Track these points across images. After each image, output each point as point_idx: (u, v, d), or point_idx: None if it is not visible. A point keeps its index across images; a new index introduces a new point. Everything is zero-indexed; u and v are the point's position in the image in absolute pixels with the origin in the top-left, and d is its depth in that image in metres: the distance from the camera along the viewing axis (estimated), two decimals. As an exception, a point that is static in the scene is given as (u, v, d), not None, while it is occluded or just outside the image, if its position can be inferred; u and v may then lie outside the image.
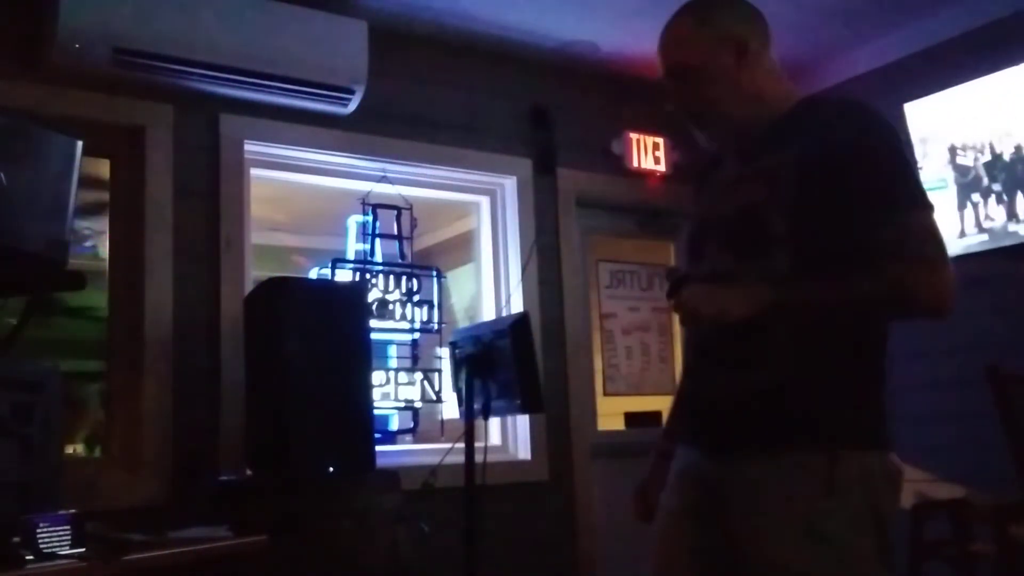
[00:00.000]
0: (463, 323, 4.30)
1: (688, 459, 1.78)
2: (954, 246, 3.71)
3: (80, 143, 2.26)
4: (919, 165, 3.88)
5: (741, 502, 1.63)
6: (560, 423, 3.99)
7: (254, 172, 3.57)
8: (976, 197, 3.72)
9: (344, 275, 3.69)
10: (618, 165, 4.33)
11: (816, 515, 1.55)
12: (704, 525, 1.70)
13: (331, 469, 2.80)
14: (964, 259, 3.46)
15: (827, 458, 1.55)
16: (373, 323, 3.41)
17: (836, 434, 1.58)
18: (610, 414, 4.33)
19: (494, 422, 3.91)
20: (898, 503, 1.63)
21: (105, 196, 3.32)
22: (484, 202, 4.18)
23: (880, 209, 1.57)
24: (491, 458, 2.81)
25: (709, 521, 1.68)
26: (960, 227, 3.74)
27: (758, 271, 1.62)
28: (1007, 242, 3.60)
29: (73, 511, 1.77)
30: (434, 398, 3.81)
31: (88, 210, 3.34)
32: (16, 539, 1.66)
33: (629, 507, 1.98)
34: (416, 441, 3.86)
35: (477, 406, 2.73)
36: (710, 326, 1.61)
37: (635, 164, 4.34)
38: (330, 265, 3.69)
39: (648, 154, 4.38)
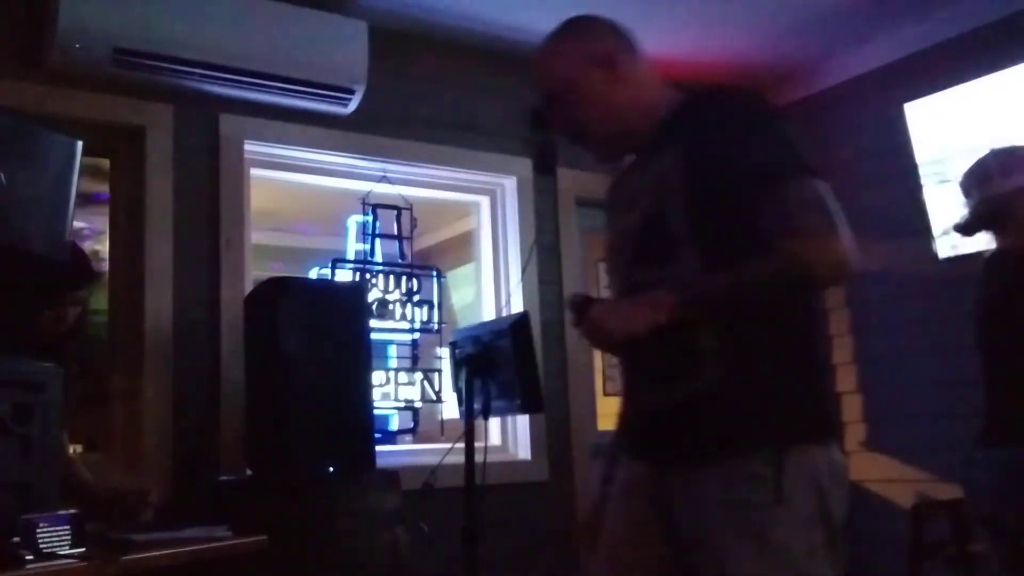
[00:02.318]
0: (463, 323, 4.29)
1: (634, 471, 1.77)
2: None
3: (80, 143, 2.26)
4: (916, 162, 3.89)
5: (689, 513, 1.63)
6: (560, 423, 3.99)
7: (254, 172, 3.57)
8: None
9: (344, 275, 3.69)
10: (618, 165, 4.32)
11: (766, 523, 1.54)
12: (653, 535, 1.69)
13: (331, 469, 2.80)
14: (966, 258, 3.45)
15: (773, 464, 1.53)
16: (373, 323, 3.41)
17: (778, 435, 1.56)
18: (610, 414, 4.31)
19: (494, 422, 3.91)
20: (846, 497, 1.61)
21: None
22: (484, 202, 4.18)
23: (761, 186, 1.55)
24: (491, 458, 2.81)
25: (654, 533, 1.68)
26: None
27: (671, 276, 1.60)
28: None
29: (73, 511, 1.77)
30: (434, 398, 3.81)
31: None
32: (16, 539, 1.66)
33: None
34: (416, 441, 3.86)
35: (477, 406, 2.73)
36: (621, 341, 1.59)
37: (635, 164, 4.33)
38: (330, 265, 3.70)
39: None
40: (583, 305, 1.63)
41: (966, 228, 2.73)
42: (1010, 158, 2.69)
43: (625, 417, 1.85)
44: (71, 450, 2.57)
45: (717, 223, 1.58)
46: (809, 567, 1.54)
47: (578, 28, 1.84)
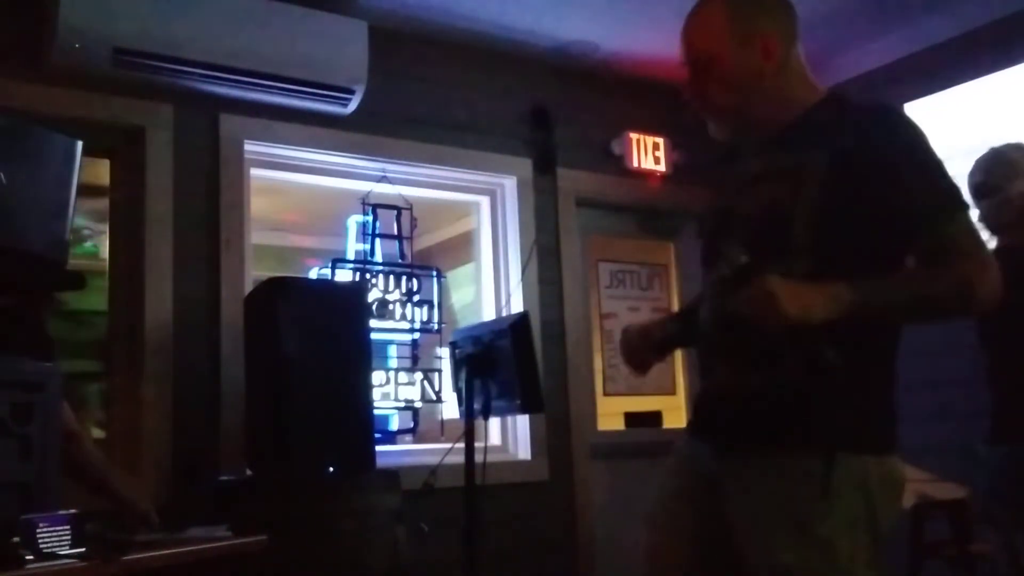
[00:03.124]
0: (463, 323, 4.30)
1: (692, 449, 1.78)
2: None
3: (80, 143, 2.26)
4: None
5: (738, 499, 1.64)
6: (560, 423, 3.99)
7: (254, 172, 3.57)
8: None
9: (344, 275, 3.69)
10: (618, 165, 4.33)
11: (810, 517, 1.55)
12: (703, 513, 1.71)
13: (331, 469, 2.80)
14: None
15: (822, 461, 1.53)
16: (373, 323, 3.41)
17: (833, 437, 1.56)
18: (610, 414, 4.33)
19: (494, 422, 3.91)
20: (897, 509, 1.62)
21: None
22: (484, 202, 4.18)
23: (920, 221, 1.55)
24: (491, 458, 2.81)
25: (708, 510, 1.69)
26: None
27: (780, 272, 1.55)
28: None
29: (73, 511, 1.77)
30: (434, 398, 3.81)
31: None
32: (16, 539, 1.66)
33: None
34: (416, 441, 3.86)
35: (477, 406, 2.73)
36: (783, 327, 1.48)
37: (635, 164, 4.33)
38: (330, 265, 3.69)
39: (648, 154, 4.38)
40: (747, 271, 1.55)
41: (999, 226, 2.64)
42: None
43: (700, 393, 1.84)
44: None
45: (839, 238, 1.57)
46: (852, 566, 1.55)
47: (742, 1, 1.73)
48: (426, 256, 4.61)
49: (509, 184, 4.11)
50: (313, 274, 3.87)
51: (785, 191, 1.61)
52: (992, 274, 1.55)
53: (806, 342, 1.51)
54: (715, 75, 1.71)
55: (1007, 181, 2.59)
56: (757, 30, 1.69)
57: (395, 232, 3.87)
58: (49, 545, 1.69)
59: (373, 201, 3.81)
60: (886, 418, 1.65)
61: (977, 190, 2.67)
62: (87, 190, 3.20)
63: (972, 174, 2.73)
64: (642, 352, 1.93)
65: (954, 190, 1.60)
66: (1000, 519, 2.62)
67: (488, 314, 4.03)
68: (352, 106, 3.55)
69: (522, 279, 3.98)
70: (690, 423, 1.85)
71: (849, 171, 1.56)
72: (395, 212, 3.87)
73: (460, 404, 2.84)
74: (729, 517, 1.65)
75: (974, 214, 2.71)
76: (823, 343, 1.50)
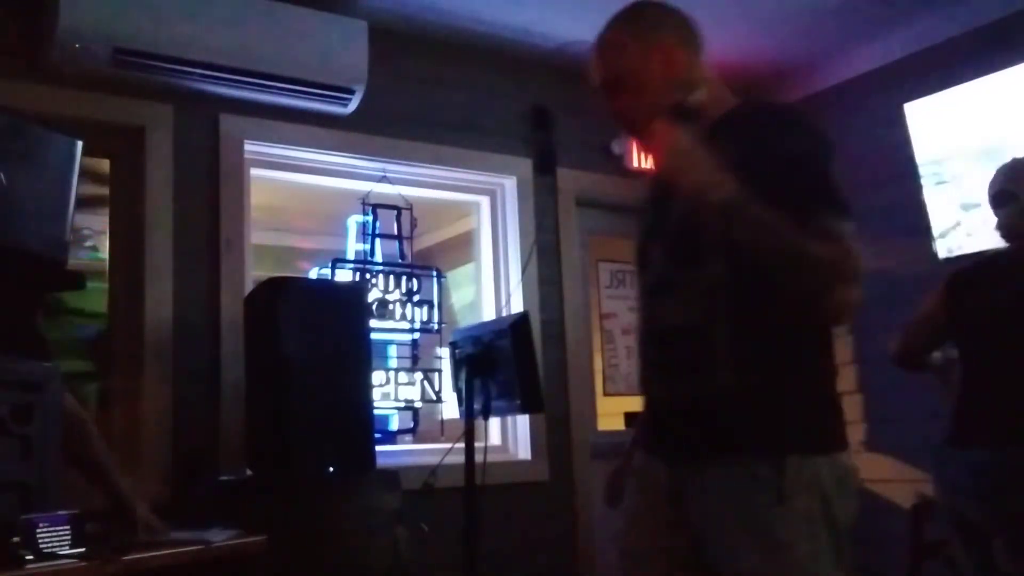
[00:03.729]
0: (463, 323, 4.30)
1: (648, 464, 1.80)
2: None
3: (80, 143, 2.26)
4: (916, 163, 3.89)
5: (699, 509, 1.66)
6: (560, 423, 3.99)
7: (254, 172, 3.57)
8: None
9: (344, 275, 3.69)
10: (618, 165, 4.32)
11: (768, 522, 1.57)
12: (668, 525, 1.72)
13: (331, 469, 2.80)
14: (967, 258, 3.45)
15: (774, 467, 1.56)
16: (373, 323, 3.41)
17: (781, 441, 1.59)
18: (610, 414, 4.33)
19: (494, 422, 3.91)
20: (854, 504, 1.63)
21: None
22: (484, 202, 4.18)
23: (795, 218, 1.54)
24: (491, 458, 2.81)
25: (672, 522, 1.71)
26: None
27: (697, 279, 1.63)
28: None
29: (73, 511, 1.77)
30: (434, 398, 3.81)
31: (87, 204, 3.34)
32: (16, 539, 1.66)
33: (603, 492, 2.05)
34: (416, 441, 3.86)
35: (477, 406, 2.73)
36: (667, 176, 1.57)
37: (635, 164, 4.33)
38: (330, 265, 3.69)
39: (648, 154, 4.37)
40: (667, 284, 1.66)
41: (1016, 233, 2.67)
42: None
43: (644, 412, 1.87)
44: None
45: None
46: (815, 567, 1.57)
47: (647, 15, 1.83)
48: (426, 256, 4.61)
49: (509, 184, 4.11)
50: (313, 274, 3.88)
51: (690, 204, 1.63)
52: (853, 290, 1.53)
53: (716, 358, 1.59)
54: (628, 89, 1.78)
55: None
56: (657, 41, 1.76)
57: (395, 232, 3.87)
58: (49, 545, 1.70)
59: (373, 201, 3.81)
60: (830, 415, 1.68)
61: (996, 199, 2.73)
62: (87, 192, 3.20)
63: (992, 183, 2.79)
64: (613, 499, 2.03)
65: (828, 192, 1.59)
66: (976, 523, 2.64)
67: (488, 314, 4.03)
68: (352, 106, 3.55)
69: (522, 279, 3.98)
70: (642, 438, 1.87)
71: (750, 174, 1.58)
72: (395, 212, 3.87)
73: (460, 404, 2.84)
74: (695, 526, 1.67)
75: (992, 221, 2.75)
76: (715, 334, 1.59)
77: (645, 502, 1.79)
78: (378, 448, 2.98)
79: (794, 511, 1.56)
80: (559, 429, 3.98)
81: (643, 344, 1.82)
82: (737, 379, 1.60)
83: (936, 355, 2.90)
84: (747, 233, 1.55)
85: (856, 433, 4.19)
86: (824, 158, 1.63)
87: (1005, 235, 2.71)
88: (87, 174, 3.06)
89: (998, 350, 2.65)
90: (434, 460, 3.16)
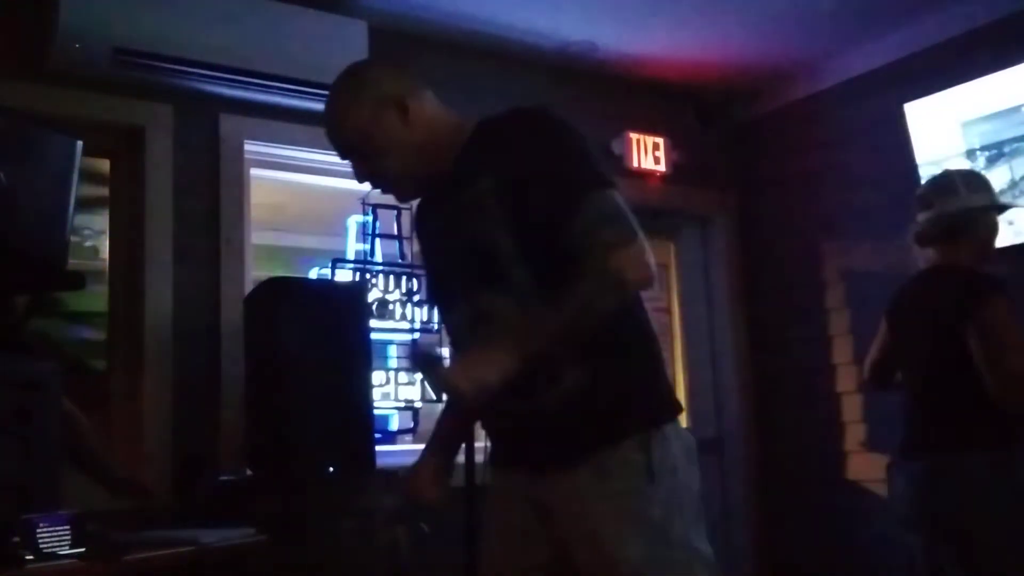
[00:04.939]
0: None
1: (506, 480, 1.81)
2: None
3: (80, 143, 2.26)
4: (916, 163, 3.88)
5: (570, 511, 1.66)
6: (560, 423, 3.98)
7: (254, 172, 3.57)
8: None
9: (344, 275, 3.69)
10: (618, 165, 4.32)
11: (643, 505, 1.60)
12: (531, 542, 1.73)
13: (331, 469, 2.80)
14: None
15: (642, 448, 1.60)
16: (373, 323, 3.41)
17: (641, 421, 1.63)
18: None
19: (494, 422, 3.90)
20: (698, 472, 1.70)
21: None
22: (484, 202, 4.17)
23: (563, 201, 1.60)
24: (491, 458, 2.81)
25: (536, 537, 1.71)
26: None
27: (510, 296, 1.64)
28: (1011, 241, 3.60)
29: (73, 511, 1.77)
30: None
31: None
32: (16, 539, 1.66)
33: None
34: (416, 441, 3.85)
35: (477, 406, 2.73)
36: (478, 397, 1.57)
37: (635, 164, 4.33)
38: (330, 265, 3.69)
39: (648, 154, 4.38)
40: (430, 364, 1.64)
41: (926, 238, 2.78)
42: (975, 178, 2.85)
43: (492, 429, 1.88)
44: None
45: (538, 237, 1.62)
46: (691, 540, 1.62)
47: (362, 76, 1.87)
48: (426, 256, 4.60)
49: (509, 184, 4.11)
50: (313, 274, 3.87)
51: (475, 221, 1.66)
52: (634, 251, 1.58)
53: (547, 368, 1.62)
54: (371, 152, 1.78)
55: (941, 199, 2.74)
56: (384, 96, 1.78)
57: (395, 232, 3.87)
58: (49, 545, 1.70)
59: (373, 201, 3.80)
60: (664, 385, 1.74)
61: (916, 203, 2.83)
62: (87, 190, 3.20)
63: (919, 188, 2.95)
64: (427, 487, 2.01)
65: (587, 170, 1.65)
66: (920, 533, 2.70)
67: (488, 314, 4.02)
68: (352, 106, 3.55)
69: (522, 279, 3.97)
70: (492, 456, 1.88)
71: (513, 177, 1.62)
72: (395, 212, 3.87)
73: (460, 404, 2.84)
74: (565, 535, 1.68)
75: (912, 226, 2.87)
76: (562, 366, 1.62)
77: (509, 520, 1.79)
78: (378, 448, 2.98)
79: (663, 490, 1.61)
80: (559, 429, 3.97)
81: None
82: (582, 376, 1.63)
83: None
84: (556, 341, 1.60)
85: (856, 433, 4.18)
86: (571, 140, 1.69)
87: (916, 239, 2.81)
88: (87, 174, 3.06)
89: (923, 369, 2.74)
90: (434, 460, 3.15)
